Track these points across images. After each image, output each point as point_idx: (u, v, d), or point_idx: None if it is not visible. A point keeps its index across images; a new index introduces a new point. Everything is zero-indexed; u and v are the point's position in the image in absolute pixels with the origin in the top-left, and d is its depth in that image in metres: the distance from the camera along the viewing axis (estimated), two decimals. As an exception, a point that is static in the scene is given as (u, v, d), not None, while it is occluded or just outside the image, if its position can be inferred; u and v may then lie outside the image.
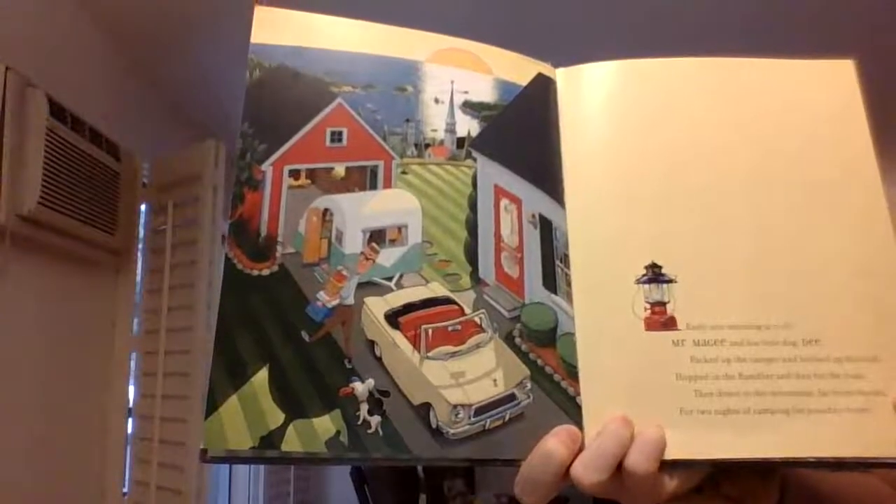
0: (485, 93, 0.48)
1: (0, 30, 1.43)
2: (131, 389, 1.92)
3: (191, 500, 1.69)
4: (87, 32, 1.80)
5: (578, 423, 0.41)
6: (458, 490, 0.74)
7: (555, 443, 0.39)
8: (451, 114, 0.47)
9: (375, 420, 0.39)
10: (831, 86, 0.49)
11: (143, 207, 1.99)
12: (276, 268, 0.41)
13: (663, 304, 0.43)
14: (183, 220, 1.89)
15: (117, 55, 1.94)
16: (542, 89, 0.48)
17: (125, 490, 1.87)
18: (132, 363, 1.93)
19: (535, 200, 0.45)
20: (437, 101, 0.47)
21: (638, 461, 0.38)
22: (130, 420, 1.91)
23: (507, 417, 0.40)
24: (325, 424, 0.38)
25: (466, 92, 0.47)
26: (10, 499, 1.45)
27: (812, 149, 0.47)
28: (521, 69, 0.49)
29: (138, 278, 1.98)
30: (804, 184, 0.46)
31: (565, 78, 0.49)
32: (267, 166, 0.43)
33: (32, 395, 1.53)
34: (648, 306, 0.42)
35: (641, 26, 1.87)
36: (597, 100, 0.48)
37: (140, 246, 1.99)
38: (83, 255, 1.70)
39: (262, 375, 0.39)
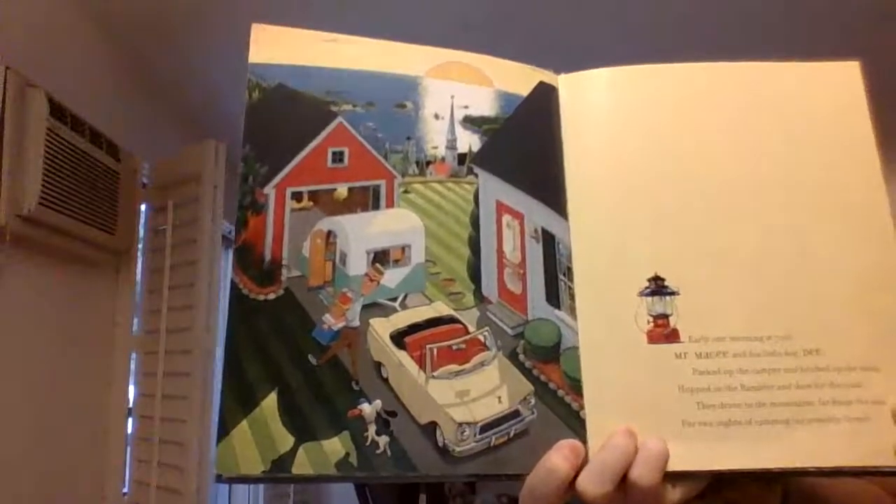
0: (485, 106, 0.47)
1: (0, 30, 1.42)
2: (131, 389, 1.92)
3: (191, 499, 1.69)
4: (88, 33, 1.79)
5: (582, 436, 0.41)
6: (459, 490, 0.74)
7: (557, 458, 0.39)
8: (452, 130, 0.46)
9: (383, 440, 0.39)
10: (836, 88, 0.48)
11: (143, 207, 1.99)
12: (281, 292, 0.41)
13: (666, 316, 0.43)
14: (183, 220, 1.89)
15: (117, 55, 1.94)
16: (544, 98, 0.48)
17: (125, 490, 1.87)
18: (132, 363, 1.93)
19: (538, 214, 0.45)
20: (437, 116, 0.46)
21: (642, 474, 0.38)
22: (130, 420, 1.91)
23: (511, 434, 0.41)
24: (335, 446, 0.39)
25: (467, 106, 0.47)
26: (10, 499, 1.45)
27: (816, 153, 0.46)
28: (522, 78, 0.48)
29: (138, 278, 1.98)
30: (806, 192, 0.45)
31: (567, 84, 0.48)
32: (269, 189, 0.43)
33: (32, 395, 1.53)
34: (651, 319, 0.43)
35: (647, 30, 1.86)
36: (599, 106, 0.47)
37: (140, 246, 1.98)
38: (83, 255, 1.69)
39: (271, 400, 0.39)
